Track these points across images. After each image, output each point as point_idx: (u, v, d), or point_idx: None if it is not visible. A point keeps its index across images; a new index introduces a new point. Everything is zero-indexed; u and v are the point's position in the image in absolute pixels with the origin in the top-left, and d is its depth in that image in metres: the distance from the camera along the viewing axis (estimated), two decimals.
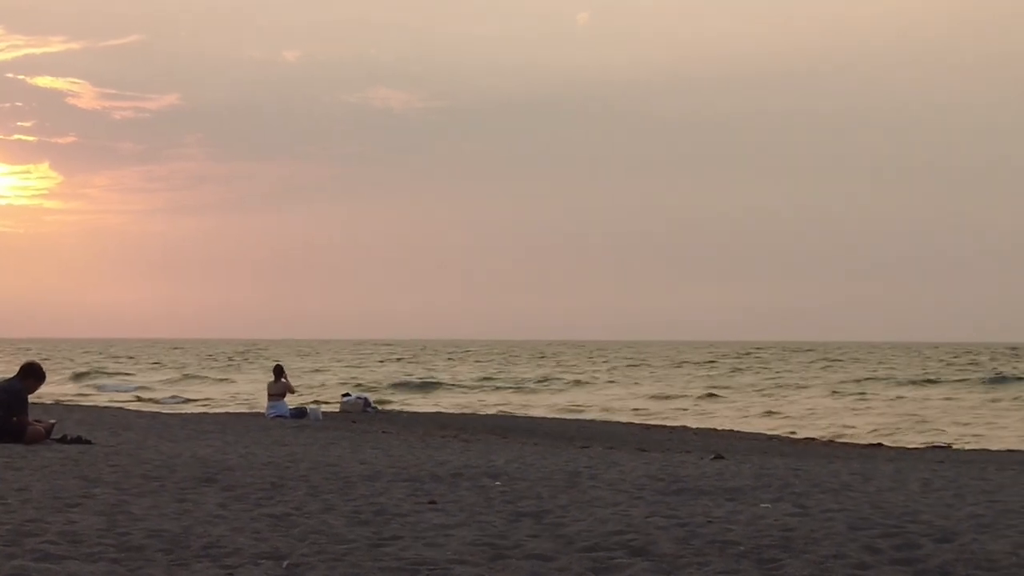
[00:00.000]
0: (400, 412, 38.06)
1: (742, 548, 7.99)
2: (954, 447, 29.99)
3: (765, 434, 34.49)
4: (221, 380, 72.66)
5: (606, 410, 47.96)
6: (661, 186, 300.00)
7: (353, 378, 72.33)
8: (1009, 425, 40.85)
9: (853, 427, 39.51)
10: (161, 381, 70.50)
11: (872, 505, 10.57)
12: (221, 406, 45.91)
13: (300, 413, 28.85)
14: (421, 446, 19.39)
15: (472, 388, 66.32)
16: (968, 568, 7.36)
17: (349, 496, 10.78)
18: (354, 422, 28.83)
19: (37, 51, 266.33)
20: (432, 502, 10.39)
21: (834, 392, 60.36)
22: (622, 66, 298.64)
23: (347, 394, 37.75)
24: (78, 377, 72.74)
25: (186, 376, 76.86)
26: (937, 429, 38.68)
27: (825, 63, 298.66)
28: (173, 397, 54.84)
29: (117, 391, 60.49)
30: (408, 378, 73.31)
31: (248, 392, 57.82)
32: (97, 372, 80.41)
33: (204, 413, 36.06)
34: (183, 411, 39.88)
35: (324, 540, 8.16)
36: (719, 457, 18.03)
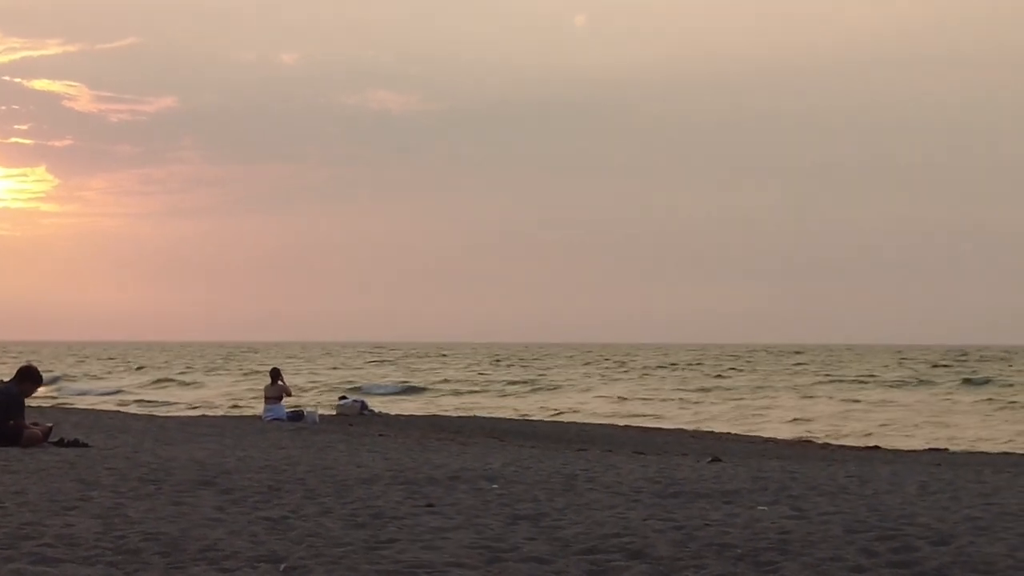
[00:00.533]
0: (397, 415, 38.04)
1: (739, 551, 7.99)
2: (951, 450, 29.99)
3: (761, 437, 34.49)
4: (195, 384, 72.43)
5: (593, 413, 47.89)
6: (660, 187, 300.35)
7: (319, 381, 71.74)
8: (994, 425, 41.00)
9: (842, 427, 39.59)
10: (139, 385, 70.34)
11: (869, 508, 10.58)
12: (201, 409, 45.82)
13: (297, 416, 28.83)
14: (418, 449, 19.38)
15: (460, 392, 66.04)
16: (965, 571, 7.37)
17: (346, 499, 10.78)
18: (351, 425, 28.82)
19: (34, 54, 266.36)
20: (429, 505, 10.39)
21: (818, 395, 60.41)
22: (620, 67, 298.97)
23: (344, 397, 37.76)
24: (50, 381, 72.05)
25: (167, 379, 76.70)
26: (915, 426, 38.82)
27: (829, 63, 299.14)
28: (151, 402, 54.68)
29: (88, 395, 60.26)
30: (393, 381, 73.17)
31: (230, 394, 57.76)
32: (82, 376, 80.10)
33: (202, 416, 36.05)
34: (180, 414, 39.87)
35: (321, 543, 8.16)
36: (716, 460, 18.03)
